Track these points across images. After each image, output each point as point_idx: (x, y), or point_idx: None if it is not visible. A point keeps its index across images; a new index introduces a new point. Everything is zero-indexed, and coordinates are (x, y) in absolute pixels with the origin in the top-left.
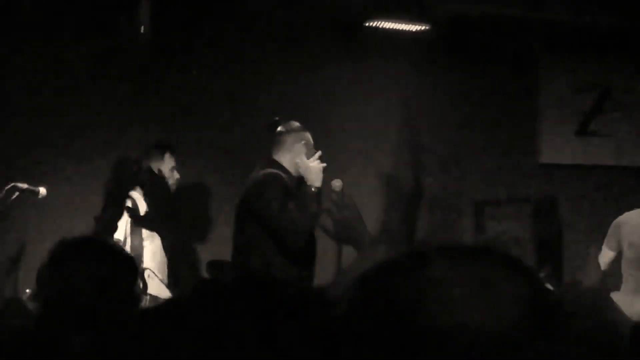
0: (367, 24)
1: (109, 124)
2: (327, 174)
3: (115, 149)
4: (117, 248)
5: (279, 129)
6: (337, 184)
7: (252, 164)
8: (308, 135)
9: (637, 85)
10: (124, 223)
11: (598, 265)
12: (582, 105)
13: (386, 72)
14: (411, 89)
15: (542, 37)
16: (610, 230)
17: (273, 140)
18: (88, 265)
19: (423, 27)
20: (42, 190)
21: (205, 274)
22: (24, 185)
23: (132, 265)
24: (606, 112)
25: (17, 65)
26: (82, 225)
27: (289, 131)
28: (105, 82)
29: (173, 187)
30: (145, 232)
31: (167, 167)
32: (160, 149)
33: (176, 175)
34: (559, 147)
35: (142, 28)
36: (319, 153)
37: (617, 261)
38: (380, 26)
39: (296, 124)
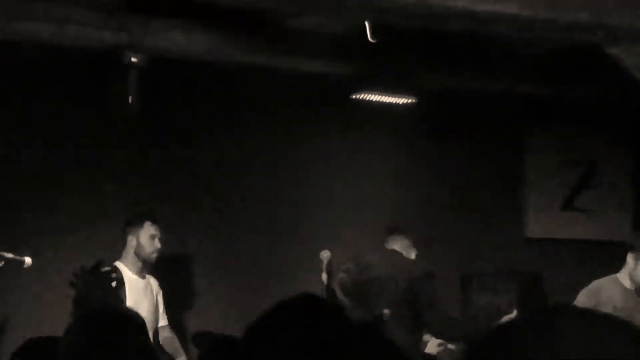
0: (353, 97)
1: (96, 194)
2: (318, 244)
3: (103, 219)
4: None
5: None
6: (325, 254)
7: (241, 236)
8: None
9: (622, 161)
10: None
11: None
12: (568, 179)
13: (373, 145)
14: (398, 161)
15: (528, 111)
16: (586, 298)
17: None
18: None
19: (410, 100)
20: (28, 260)
21: (191, 345)
22: (9, 255)
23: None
24: (592, 187)
25: (4, 134)
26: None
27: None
28: (94, 152)
29: (153, 256)
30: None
31: (146, 235)
32: (140, 217)
33: (157, 244)
34: (545, 221)
35: (130, 99)
36: None
37: None
38: (367, 99)
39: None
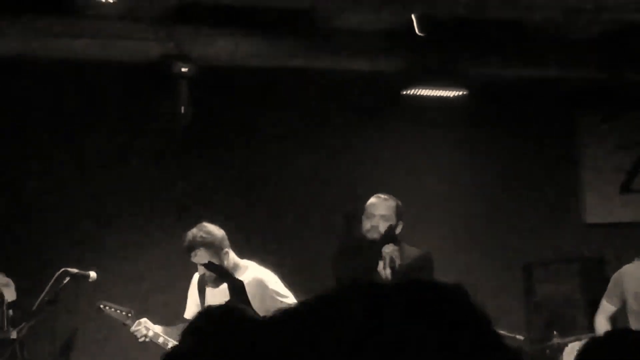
0: (404, 92)
1: (154, 204)
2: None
3: (161, 228)
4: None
5: None
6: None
7: (295, 246)
8: None
9: None
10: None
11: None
12: (623, 162)
13: (428, 139)
14: (454, 153)
15: (580, 96)
16: (612, 284)
17: None
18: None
19: (461, 92)
20: (93, 274)
21: None
22: (75, 270)
23: None
24: None
25: (64, 147)
26: (132, 308)
27: None
28: (149, 161)
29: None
30: None
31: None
32: None
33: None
34: (603, 206)
35: (182, 109)
36: None
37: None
38: (418, 93)
39: None
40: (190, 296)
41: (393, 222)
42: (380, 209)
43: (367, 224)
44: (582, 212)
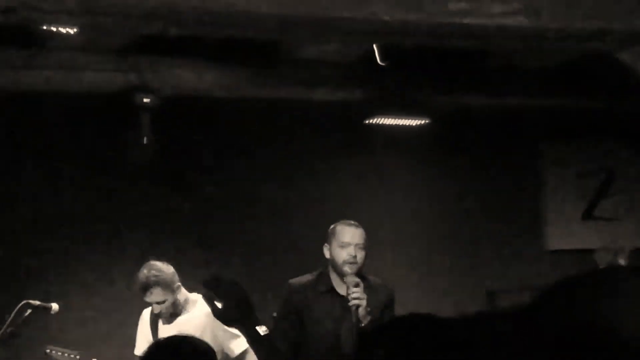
0: (367, 122)
1: (118, 236)
2: None
3: (124, 260)
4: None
5: None
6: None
7: (258, 273)
8: None
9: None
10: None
11: None
12: (586, 189)
13: (389, 168)
14: (415, 182)
15: (542, 124)
16: None
17: None
18: None
19: (423, 121)
20: (55, 306)
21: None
22: (36, 302)
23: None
24: (611, 195)
25: (25, 178)
26: (95, 340)
27: None
28: (113, 192)
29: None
30: None
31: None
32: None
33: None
34: (566, 233)
35: (145, 140)
36: None
37: None
38: (381, 123)
39: None
40: (140, 332)
41: (365, 251)
42: (355, 237)
43: (342, 254)
44: (544, 239)
